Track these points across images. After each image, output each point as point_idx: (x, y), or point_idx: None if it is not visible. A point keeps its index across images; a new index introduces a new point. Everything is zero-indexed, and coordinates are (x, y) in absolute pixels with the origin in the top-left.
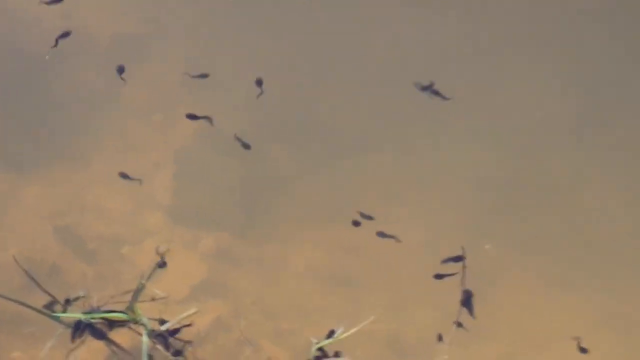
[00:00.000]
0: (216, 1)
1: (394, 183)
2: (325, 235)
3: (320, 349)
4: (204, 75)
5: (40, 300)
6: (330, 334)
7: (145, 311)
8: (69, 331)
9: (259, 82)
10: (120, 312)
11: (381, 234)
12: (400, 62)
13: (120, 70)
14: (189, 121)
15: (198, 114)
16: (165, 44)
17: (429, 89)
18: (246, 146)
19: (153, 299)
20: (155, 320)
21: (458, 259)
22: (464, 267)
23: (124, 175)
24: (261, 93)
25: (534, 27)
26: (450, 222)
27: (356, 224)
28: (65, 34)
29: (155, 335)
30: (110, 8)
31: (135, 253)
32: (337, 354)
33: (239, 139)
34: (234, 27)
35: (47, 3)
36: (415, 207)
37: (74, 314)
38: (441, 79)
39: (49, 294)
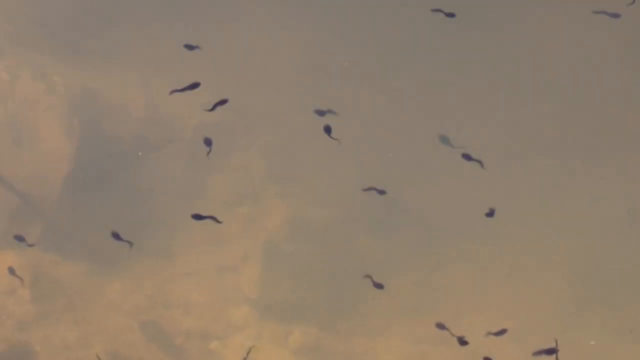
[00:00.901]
0: (299, 94)
1: (485, 273)
2: (413, 329)
3: None
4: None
5: None
6: None
7: None
8: None
9: (328, 130)
10: None
11: None
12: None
13: (208, 142)
14: (276, 212)
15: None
16: (250, 134)
17: None
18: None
19: None
20: None
21: (551, 351)
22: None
23: (197, 217)
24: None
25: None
26: (543, 313)
27: (440, 326)
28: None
29: None
30: (196, 98)
31: (223, 348)
32: None
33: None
34: (318, 120)
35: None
36: (506, 298)
37: None
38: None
39: None
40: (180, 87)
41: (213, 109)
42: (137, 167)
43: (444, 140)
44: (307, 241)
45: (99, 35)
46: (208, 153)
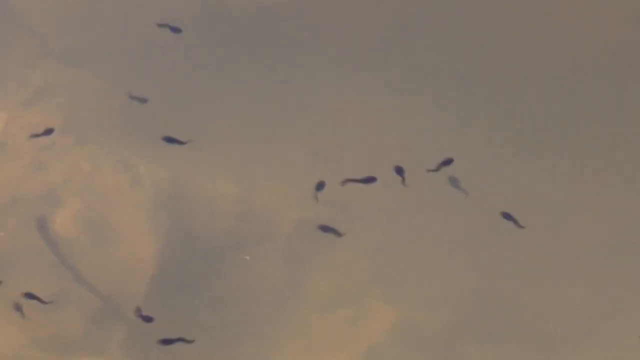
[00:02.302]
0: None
1: None
2: None
3: None
4: (143, 100)
5: None
6: None
7: None
8: None
9: (400, 171)
10: None
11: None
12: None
13: (399, 171)
14: (381, 316)
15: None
16: (354, 229)
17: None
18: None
19: None
20: None
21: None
22: None
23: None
24: (403, 180)
25: None
26: None
27: None
28: (448, 161)
29: None
30: (291, 191)
31: None
32: None
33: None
34: (428, 214)
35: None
36: None
37: None
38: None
39: None
40: (356, 178)
41: (437, 169)
42: (229, 267)
43: (453, 182)
44: (414, 349)
45: (191, 123)
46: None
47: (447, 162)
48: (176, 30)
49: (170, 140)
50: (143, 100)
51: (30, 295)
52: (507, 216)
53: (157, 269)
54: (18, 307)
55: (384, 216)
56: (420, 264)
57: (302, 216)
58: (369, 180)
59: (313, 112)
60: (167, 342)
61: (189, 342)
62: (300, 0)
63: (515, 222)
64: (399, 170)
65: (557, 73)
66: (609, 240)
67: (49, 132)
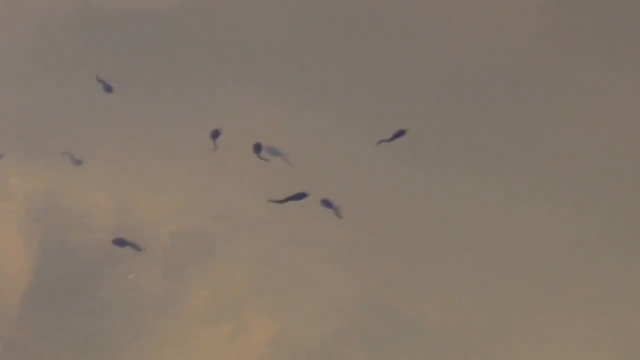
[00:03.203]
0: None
1: None
2: None
3: None
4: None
5: None
6: None
7: None
8: None
9: (258, 147)
10: None
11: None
12: None
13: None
14: (262, 329)
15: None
16: (232, 239)
17: None
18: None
19: None
20: None
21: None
22: None
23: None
24: (260, 157)
25: None
26: None
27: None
28: (401, 133)
29: None
30: (170, 203)
31: None
32: None
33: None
34: (308, 224)
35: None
36: None
37: None
38: None
39: None
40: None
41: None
42: (106, 281)
43: (326, 204)
44: (300, 358)
45: (61, 134)
46: (214, 148)
47: (400, 133)
48: (109, 89)
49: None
50: (108, 89)
51: None
52: (326, 204)
53: (30, 284)
54: None
55: (264, 226)
56: (302, 274)
57: (178, 228)
58: (300, 196)
59: (190, 123)
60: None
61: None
62: (189, 7)
63: (336, 211)
64: (327, 204)
65: (451, 80)
66: (503, 248)
67: None
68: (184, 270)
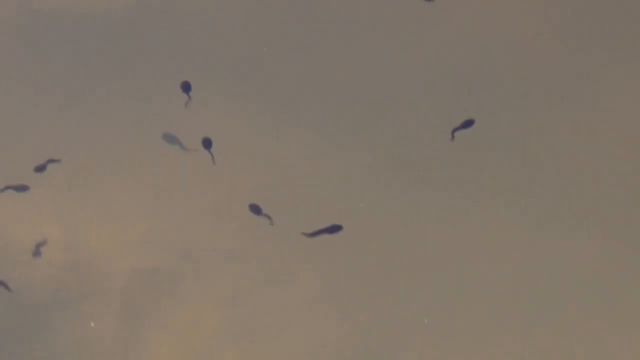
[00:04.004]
0: (260, 230)
1: None
2: None
3: None
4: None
5: None
6: None
7: None
8: None
9: (187, 87)
10: None
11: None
12: None
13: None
14: None
15: None
16: (199, 278)
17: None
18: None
19: None
20: None
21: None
22: None
23: None
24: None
25: None
26: None
27: None
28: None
29: None
30: (127, 239)
31: None
32: None
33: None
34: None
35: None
36: None
37: None
38: None
39: None
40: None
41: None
42: (56, 325)
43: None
44: None
45: (9, 155)
46: (212, 158)
47: (468, 123)
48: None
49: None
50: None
51: None
52: (254, 209)
53: None
54: None
55: (233, 261)
56: (278, 314)
57: (138, 265)
58: (334, 229)
59: (152, 144)
60: None
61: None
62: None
63: (267, 217)
64: (256, 210)
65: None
66: (500, 291)
67: None
68: (145, 313)
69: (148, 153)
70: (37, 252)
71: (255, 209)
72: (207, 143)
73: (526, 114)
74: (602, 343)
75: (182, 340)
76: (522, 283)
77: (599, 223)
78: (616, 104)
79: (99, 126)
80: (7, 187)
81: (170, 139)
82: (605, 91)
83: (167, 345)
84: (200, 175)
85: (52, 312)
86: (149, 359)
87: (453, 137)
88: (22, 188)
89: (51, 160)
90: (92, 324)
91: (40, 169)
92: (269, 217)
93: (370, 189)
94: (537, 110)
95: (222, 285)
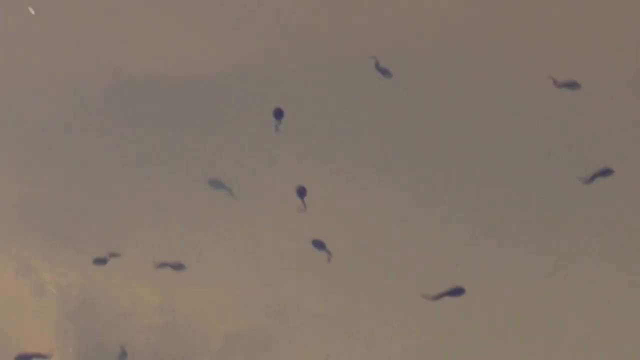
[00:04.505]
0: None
1: None
2: None
3: None
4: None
5: None
6: None
7: None
8: None
9: (279, 114)
10: None
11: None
12: None
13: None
14: None
15: None
16: (292, 339)
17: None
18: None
19: None
20: None
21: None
22: None
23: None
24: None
25: None
26: None
27: None
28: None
29: None
30: (220, 298)
31: None
32: None
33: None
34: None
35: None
36: None
37: None
38: None
39: None
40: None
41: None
42: None
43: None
44: None
45: (95, 220)
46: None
47: (606, 172)
48: None
49: None
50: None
51: None
52: (318, 244)
53: None
54: None
55: (322, 323)
56: None
57: (233, 328)
58: (458, 292)
59: (246, 205)
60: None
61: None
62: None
63: (328, 252)
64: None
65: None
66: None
67: None
68: None
69: (236, 212)
70: (123, 355)
71: (319, 245)
72: (301, 191)
73: None
74: None
75: None
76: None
77: None
78: None
79: (188, 187)
80: (164, 264)
81: (217, 184)
82: None
83: None
84: (284, 232)
85: None
86: None
87: (435, 298)
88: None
89: None
90: None
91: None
92: (329, 254)
93: (463, 251)
94: None
95: (311, 346)
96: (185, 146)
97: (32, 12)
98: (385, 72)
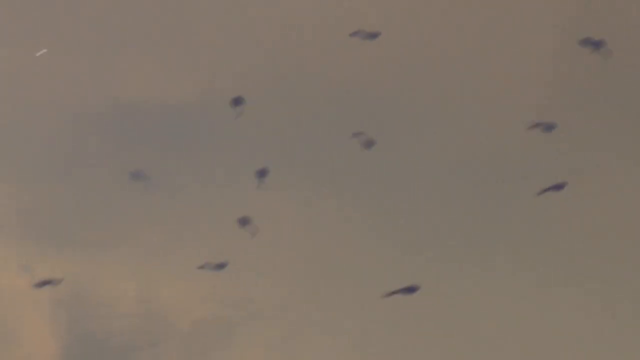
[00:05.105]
0: (301, 285)
1: None
2: None
3: None
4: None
5: None
6: None
7: None
8: None
9: (238, 101)
10: None
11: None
12: None
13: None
14: None
15: None
16: (249, 325)
17: None
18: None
19: None
20: None
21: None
22: None
23: None
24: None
25: None
26: None
27: None
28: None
29: None
30: (189, 292)
31: None
32: None
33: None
34: (322, 314)
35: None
36: None
37: None
38: None
39: None
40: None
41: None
42: None
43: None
44: None
45: (87, 224)
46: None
47: (411, 289)
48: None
49: None
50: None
51: None
52: (242, 221)
53: None
54: None
55: (276, 311)
56: (312, 355)
57: (199, 315)
58: (411, 290)
59: (213, 215)
60: None
61: None
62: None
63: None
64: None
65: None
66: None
67: None
68: (204, 355)
69: (207, 223)
70: None
71: (243, 221)
72: (262, 172)
73: None
74: None
75: None
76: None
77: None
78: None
79: (170, 202)
80: (206, 265)
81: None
82: None
83: None
84: (251, 240)
85: (126, 355)
86: None
87: (388, 295)
88: (221, 266)
89: None
90: None
91: None
92: (252, 229)
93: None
94: None
95: (265, 331)
96: (168, 167)
97: (44, 51)
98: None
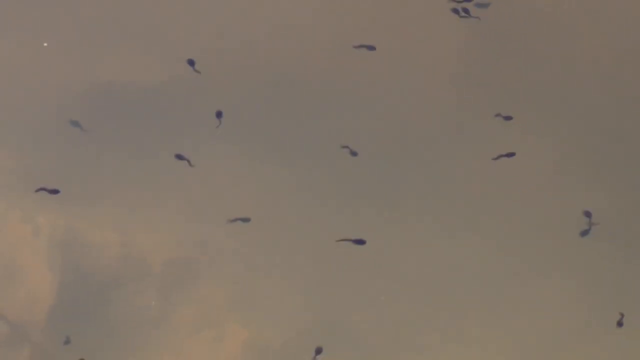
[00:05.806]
0: (260, 228)
1: None
2: None
3: None
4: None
5: None
6: None
7: None
8: None
9: (219, 114)
10: None
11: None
12: None
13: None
14: (237, 336)
15: None
16: (213, 264)
17: None
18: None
19: None
20: None
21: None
22: None
23: None
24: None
25: None
26: None
27: None
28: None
29: None
30: (167, 237)
31: None
32: None
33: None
34: (277, 256)
35: None
36: None
37: None
38: None
39: None
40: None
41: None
42: (114, 299)
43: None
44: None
45: (82, 183)
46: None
47: (360, 242)
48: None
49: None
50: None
51: None
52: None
53: (54, 300)
54: None
55: (239, 253)
56: (270, 292)
57: (170, 257)
58: (360, 242)
59: (181, 175)
60: None
61: None
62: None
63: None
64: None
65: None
66: None
67: None
68: (174, 291)
69: (175, 184)
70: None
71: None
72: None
73: None
74: None
75: (199, 310)
76: None
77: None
78: None
79: (142, 167)
80: (41, 189)
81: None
82: None
83: (189, 313)
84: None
85: (111, 291)
86: (176, 322)
87: (341, 241)
88: (54, 191)
89: None
90: (153, 303)
91: None
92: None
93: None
94: None
95: (228, 270)
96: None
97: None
98: None
